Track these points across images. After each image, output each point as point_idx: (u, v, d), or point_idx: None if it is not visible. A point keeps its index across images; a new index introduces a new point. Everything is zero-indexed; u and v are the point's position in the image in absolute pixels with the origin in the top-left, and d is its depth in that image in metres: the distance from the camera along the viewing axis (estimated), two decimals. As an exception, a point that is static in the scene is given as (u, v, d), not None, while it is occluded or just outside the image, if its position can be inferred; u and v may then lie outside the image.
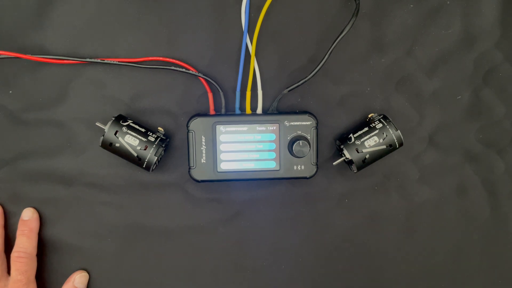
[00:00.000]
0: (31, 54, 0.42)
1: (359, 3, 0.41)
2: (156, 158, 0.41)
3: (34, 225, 0.44)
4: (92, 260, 0.47)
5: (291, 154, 0.43)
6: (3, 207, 0.45)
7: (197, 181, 0.43)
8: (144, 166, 0.41)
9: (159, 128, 0.43)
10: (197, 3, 0.43)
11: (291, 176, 0.43)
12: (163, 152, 0.43)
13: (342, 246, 0.48)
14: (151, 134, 0.42)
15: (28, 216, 0.44)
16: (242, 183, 0.45)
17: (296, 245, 0.48)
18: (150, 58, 0.43)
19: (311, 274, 0.48)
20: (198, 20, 0.43)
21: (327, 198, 0.47)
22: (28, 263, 0.43)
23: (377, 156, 0.43)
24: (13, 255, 0.43)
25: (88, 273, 0.47)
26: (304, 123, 0.43)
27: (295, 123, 0.43)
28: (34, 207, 0.45)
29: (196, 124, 0.42)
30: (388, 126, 0.42)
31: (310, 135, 0.43)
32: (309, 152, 0.43)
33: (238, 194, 0.47)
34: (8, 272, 0.44)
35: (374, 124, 0.43)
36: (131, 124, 0.42)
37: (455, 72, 0.46)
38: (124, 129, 0.41)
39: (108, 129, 0.41)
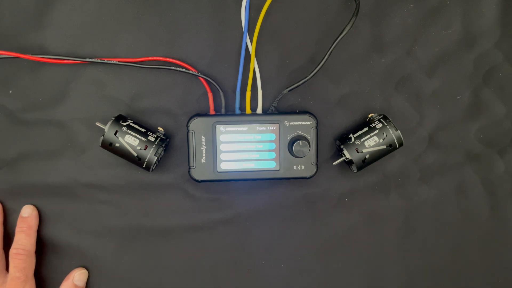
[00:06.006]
0: (31, 54, 0.42)
1: (359, 3, 0.41)
2: (156, 158, 0.41)
3: (33, 222, 0.44)
4: (91, 259, 0.47)
5: (291, 154, 0.43)
6: (2, 205, 0.45)
7: (197, 181, 0.43)
8: (144, 166, 0.41)
9: (159, 128, 0.43)
10: (197, 3, 0.43)
11: (291, 176, 0.43)
12: (163, 152, 0.43)
13: (342, 246, 0.48)
14: (151, 134, 0.42)
15: (28, 213, 0.44)
16: (242, 183, 0.45)
17: (295, 245, 0.48)
18: (150, 58, 0.43)
19: (310, 273, 0.48)
20: (198, 20, 0.43)
21: (327, 198, 0.47)
22: (27, 260, 0.43)
23: (377, 156, 0.43)
24: (12, 251, 0.43)
25: (87, 271, 0.47)
26: (304, 123, 0.43)
27: (295, 123, 0.43)
28: (34, 205, 0.45)
29: (196, 124, 0.42)
30: (388, 126, 0.42)
31: (310, 135, 0.43)
32: (309, 152, 0.43)
33: (238, 194, 0.47)
34: (7, 269, 0.44)
35: (374, 124, 0.43)
36: (131, 124, 0.42)
37: (455, 72, 0.46)
38: (124, 129, 0.41)
39: (108, 129, 0.41)
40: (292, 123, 0.43)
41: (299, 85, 0.43)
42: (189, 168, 0.43)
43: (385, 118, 0.43)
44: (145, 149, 0.41)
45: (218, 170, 0.43)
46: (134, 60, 0.43)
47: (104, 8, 0.43)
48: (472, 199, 0.48)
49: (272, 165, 0.43)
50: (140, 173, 0.45)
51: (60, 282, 0.46)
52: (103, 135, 0.41)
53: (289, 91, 0.43)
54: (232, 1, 0.43)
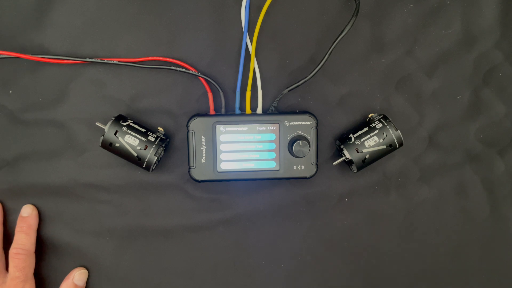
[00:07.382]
0: (31, 54, 0.42)
1: (359, 3, 0.41)
2: (156, 158, 0.41)
3: (33, 222, 0.44)
4: (91, 259, 0.47)
5: (291, 154, 0.43)
6: (2, 205, 0.45)
7: (197, 181, 0.43)
8: (144, 166, 0.41)
9: (159, 128, 0.43)
10: (197, 3, 0.43)
11: (291, 176, 0.43)
12: (163, 152, 0.43)
13: (342, 246, 0.48)
14: (151, 134, 0.42)
15: (27, 213, 0.44)
16: (242, 183, 0.45)
17: (295, 245, 0.48)
18: (150, 58, 0.43)
19: (310, 273, 0.48)
20: (198, 20, 0.43)
21: (327, 198, 0.47)
22: (26, 260, 0.43)
23: (377, 156, 0.43)
24: (11, 251, 0.43)
25: (87, 271, 0.47)
26: (304, 123, 0.43)
27: (295, 123, 0.43)
28: (34, 205, 0.45)
29: (196, 124, 0.42)
30: (388, 126, 0.42)
31: (310, 135, 0.43)
32: (309, 152, 0.43)
33: (238, 194, 0.47)
34: (7, 269, 0.44)
35: (374, 124, 0.43)
36: (131, 124, 0.42)
37: (455, 72, 0.46)
38: (124, 129, 0.41)
39: (108, 129, 0.41)
40: (292, 123, 0.43)
41: (299, 85, 0.43)
42: (189, 168, 0.43)
43: (385, 118, 0.43)
44: (145, 149, 0.41)
45: (218, 170, 0.43)
46: (134, 60, 0.43)
47: (104, 8, 0.43)
48: (472, 199, 0.48)
49: (272, 165, 0.43)
50: (140, 173, 0.45)
51: (60, 282, 0.46)
52: (103, 135, 0.41)
53: (289, 91, 0.43)
54: (232, 1, 0.43)
